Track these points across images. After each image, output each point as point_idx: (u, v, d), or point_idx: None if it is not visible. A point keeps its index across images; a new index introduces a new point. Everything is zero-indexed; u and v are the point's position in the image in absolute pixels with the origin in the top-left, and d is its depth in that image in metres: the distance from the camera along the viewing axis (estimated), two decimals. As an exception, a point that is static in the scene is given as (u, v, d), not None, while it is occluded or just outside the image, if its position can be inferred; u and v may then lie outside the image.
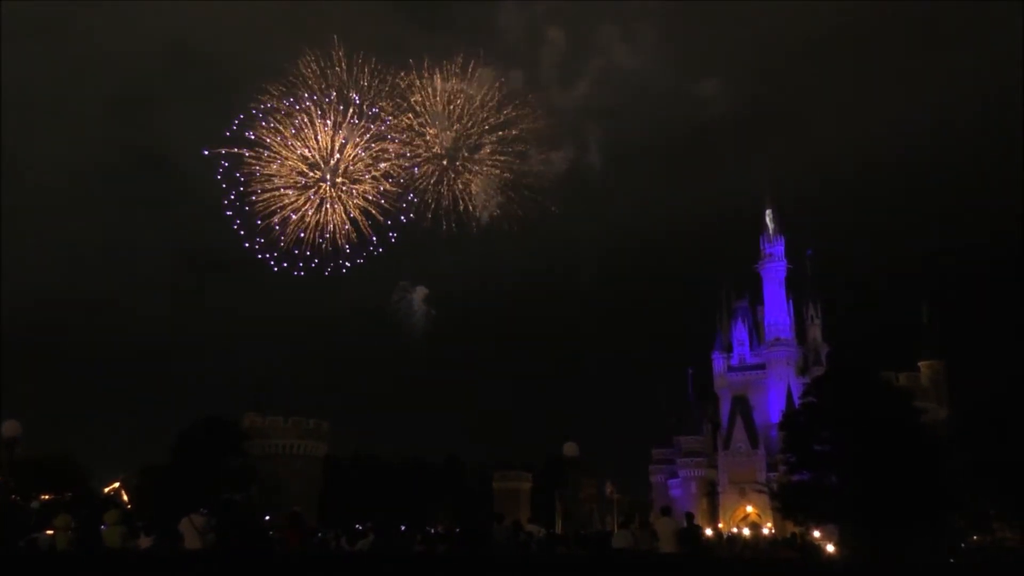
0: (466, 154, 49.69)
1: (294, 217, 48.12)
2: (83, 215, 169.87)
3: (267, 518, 53.55)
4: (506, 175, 50.78)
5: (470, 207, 50.81)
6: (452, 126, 49.02)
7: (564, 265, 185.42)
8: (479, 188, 50.36)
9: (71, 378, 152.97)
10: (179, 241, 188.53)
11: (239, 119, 48.67)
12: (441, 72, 48.11)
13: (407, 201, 50.12)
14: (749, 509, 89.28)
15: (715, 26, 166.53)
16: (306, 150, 47.61)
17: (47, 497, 67.06)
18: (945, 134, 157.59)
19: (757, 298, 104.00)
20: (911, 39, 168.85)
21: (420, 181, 49.77)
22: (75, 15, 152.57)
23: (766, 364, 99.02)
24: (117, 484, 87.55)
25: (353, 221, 48.58)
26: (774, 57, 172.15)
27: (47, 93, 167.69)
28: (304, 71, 47.53)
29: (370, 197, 48.91)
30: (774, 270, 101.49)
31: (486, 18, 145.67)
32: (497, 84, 49.98)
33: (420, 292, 67.49)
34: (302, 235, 48.76)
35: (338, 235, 48.93)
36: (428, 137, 49.23)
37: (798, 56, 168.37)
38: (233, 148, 47.75)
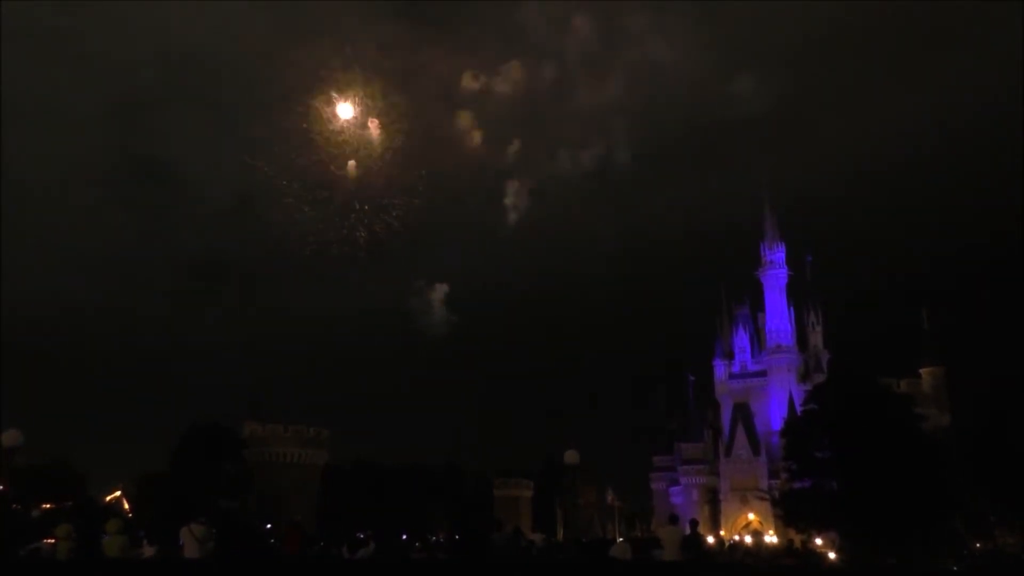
0: (493, 161, 49.56)
1: (309, 227, 47.73)
2: (83, 218, 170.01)
3: (268, 527, 53.44)
4: (531, 182, 50.61)
5: (498, 211, 50.59)
6: (481, 131, 48.67)
7: (566, 267, 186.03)
8: (509, 192, 50.12)
9: (70, 380, 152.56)
10: (180, 243, 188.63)
11: (252, 127, 48.38)
12: (470, 73, 47.78)
13: (432, 210, 49.63)
14: (751, 516, 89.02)
15: (714, 28, 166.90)
16: (325, 160, 47.34)
17: (48, 506, 66.97)
18: (945, 134, 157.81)
19: (758, 304, 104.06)
20: (911, 39, 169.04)
21: (440, 189, 49.45)
22: (74, 18, 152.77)
23: (767, 371, 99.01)
24: (118, 493, 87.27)
25: (370, 231, 48.23)
26: (774, 58, 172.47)
27: (47, 96, 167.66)
28: (325, 77, 47.17)
29: (395, 212, 48.52)
30: (775, 277, 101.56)
31: (510, 16, 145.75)
32: (526, 84, 49.51)
33: (439, 291, 67.06)
34: (317, 245, 48.46)
35: (355, 246, 48.62)
36: (462, 146, 48.89)
37: (798, 57, 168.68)
38: (246, 158, 47.48)
